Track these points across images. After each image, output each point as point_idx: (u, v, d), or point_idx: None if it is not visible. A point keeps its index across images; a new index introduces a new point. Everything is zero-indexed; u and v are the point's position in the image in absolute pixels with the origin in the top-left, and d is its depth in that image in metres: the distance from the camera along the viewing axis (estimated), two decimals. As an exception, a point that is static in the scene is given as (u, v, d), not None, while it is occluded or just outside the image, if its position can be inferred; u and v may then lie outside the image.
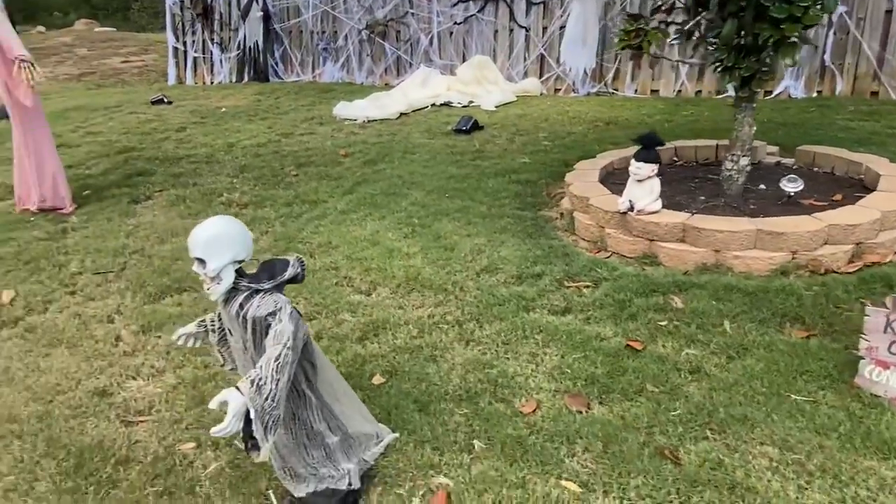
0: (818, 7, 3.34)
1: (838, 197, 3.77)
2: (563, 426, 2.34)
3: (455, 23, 8.97)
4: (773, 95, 7.24)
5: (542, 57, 8.52)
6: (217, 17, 10.64)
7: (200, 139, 6.81)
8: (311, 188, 5.06)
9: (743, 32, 3.49)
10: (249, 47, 10.43)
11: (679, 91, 7.82)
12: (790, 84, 7.28)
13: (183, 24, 10.95)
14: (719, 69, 3.68)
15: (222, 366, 2.16)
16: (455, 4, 8.91)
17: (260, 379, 1.72)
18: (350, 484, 2.05)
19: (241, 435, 1.82)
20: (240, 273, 1.87)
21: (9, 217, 4.83)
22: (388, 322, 3.09)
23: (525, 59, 8.64)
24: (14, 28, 4.52)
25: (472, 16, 8.84)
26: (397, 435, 2.30)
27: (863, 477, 2.04)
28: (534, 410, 2.43)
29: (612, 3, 7.89)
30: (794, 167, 4.46)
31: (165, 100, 8.84)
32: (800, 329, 2.81)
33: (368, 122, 7.22)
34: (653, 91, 7.97)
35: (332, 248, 3.96)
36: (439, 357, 2.80)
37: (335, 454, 2.04)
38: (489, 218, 4.22)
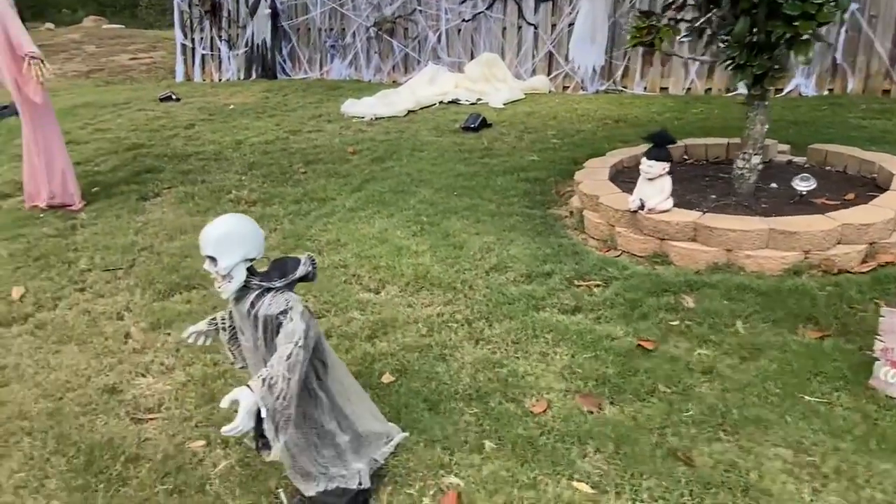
0: (832, 4, 3.31)
1: (851, 196, 3.74)
2: (574, 426, 2.32)
3: (463, 20, 8.94)
4: (783, 93, 7.19)
5: (550, 54, 8.48)
6: (225, 14, 10.65)
7: (209, 136, 6.81)
8: (319, 185, 5.05)
9: (755, 30, 3.46)
10: (257, 44, 10.43)
11: (689, 89, 7.78)
12: (801, 82, 7.22)
13: (191, 21, 10.96)
14: (731, 67, 3.65)
15: (233, 364, 2.15)
16: (463, 2, 8.88)
17: (271, 378, 1.71)
18: (360, 483, 2.04)
19: (252, 434, 1.81)
20: (251, 271, 1.86)
21: (18, 214, 4.84)
22: (397, 320, 3.08)
23: (533, 57, 8.60)
24: (23, 25, 4.53)
25: (480, 13, 8.81)
26: (407, 434, 2.29)
27: (878, 480, 2.02)
28: (544, 410, 2.42)
29: (621, 1, 7.85)
30: (806, 166, 4.42)
31: (174, 97, 8.85)
32: (813, 329, 2.78)
33: (376, 119, 7.21)
34: (662, 89, 7.93)
35: (340, 245, 3.95)
36: (449, 356, 2.79)
37: (346, 453, 2.03)
38: (498, 216, 4.21)
